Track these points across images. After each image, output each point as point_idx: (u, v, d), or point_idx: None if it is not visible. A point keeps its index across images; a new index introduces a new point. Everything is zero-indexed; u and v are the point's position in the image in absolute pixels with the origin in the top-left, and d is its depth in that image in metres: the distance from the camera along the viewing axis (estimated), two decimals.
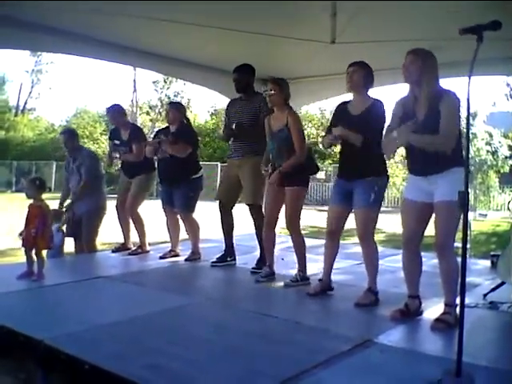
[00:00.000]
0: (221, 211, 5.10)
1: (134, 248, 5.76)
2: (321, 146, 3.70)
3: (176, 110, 5.39)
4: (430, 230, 3.28)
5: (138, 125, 5.69)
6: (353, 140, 3.66)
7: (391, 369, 2.59)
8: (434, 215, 3.25)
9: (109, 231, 5.98)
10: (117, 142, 5.71)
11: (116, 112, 5.83)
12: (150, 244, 5.89)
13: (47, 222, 4.27)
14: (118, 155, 5.70)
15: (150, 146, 5.34)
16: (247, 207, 4.88)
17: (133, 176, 5.69)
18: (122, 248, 5.81)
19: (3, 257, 7.50)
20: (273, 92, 4.26)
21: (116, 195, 5.92)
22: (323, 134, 3.97)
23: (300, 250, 4.39)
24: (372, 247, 3.83)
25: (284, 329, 3.24)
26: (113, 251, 5.82)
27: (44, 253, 4.42)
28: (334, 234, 3.95)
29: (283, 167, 4.23)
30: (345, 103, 3.96)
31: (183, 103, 7.11)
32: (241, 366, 2.58)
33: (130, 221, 5.75)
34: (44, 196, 4.35)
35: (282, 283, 4.34)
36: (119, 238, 6.03)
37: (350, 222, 3.90)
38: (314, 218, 12.12)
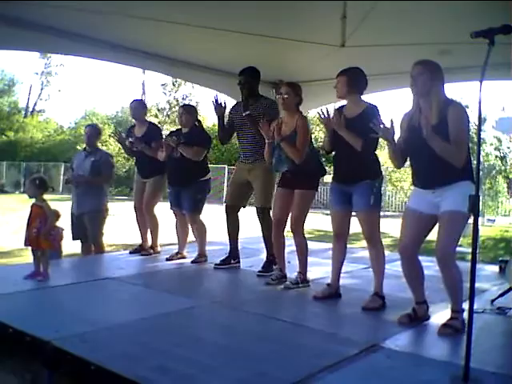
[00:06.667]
0: (227, 214, 5.11)
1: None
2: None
3: (188, 112, 5.39)
4: (434, 235, 3.23)
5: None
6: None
7: (398, 373, 2.58)
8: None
9: (119, 233, 5.99)
10: (131, 139, 5.71)
11: (138, 104, 5.92)
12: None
13: (49, 222, 4.24)
14: (131, 139, 5.67)
15: (166, 146, 5.26)
16: (255, 210, 4.88)
17: (147, 176, 5.72)
18: (139, 249, 5.84)
19: (11, 257, 7.55)
20: (286, 96, 4.26)
21: (125, 197, 5.94)
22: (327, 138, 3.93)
23: (302, 252, 4.38)
24: (380, 249, 3.84)
25: (291, 332, 3.23)
26: (130, 252, 5.87)
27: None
28: (340, 236, 3.97)
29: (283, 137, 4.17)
30: (340, 108, 3.97)
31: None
32: (248, 368, 2.57)
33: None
34: (51, 197, 4.32)
35: (282, 286, 4.34)
36: (129, 239, 6.04)
37: (357, 226, 3.90)
38: (320, 221, 12.09)
